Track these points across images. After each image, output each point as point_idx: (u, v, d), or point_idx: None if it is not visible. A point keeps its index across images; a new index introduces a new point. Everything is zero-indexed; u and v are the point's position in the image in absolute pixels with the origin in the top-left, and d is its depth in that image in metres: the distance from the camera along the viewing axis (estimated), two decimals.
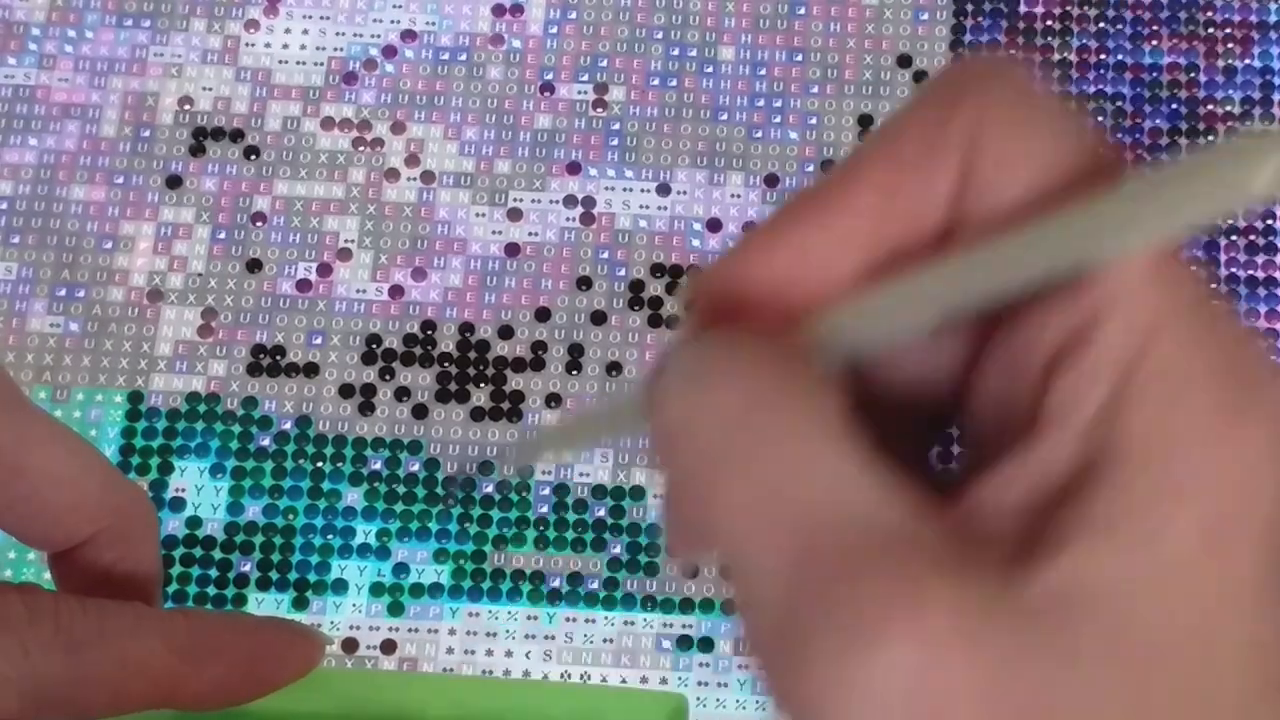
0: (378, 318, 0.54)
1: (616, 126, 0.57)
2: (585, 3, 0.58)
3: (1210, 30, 0.58)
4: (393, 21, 0.58)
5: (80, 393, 0.53)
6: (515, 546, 0.52)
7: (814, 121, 0.57)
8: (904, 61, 0.57)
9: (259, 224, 0.55)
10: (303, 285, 0.55)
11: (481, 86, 0.57)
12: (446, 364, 0.54)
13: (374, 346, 0.54)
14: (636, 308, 0.54)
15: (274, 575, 0.51)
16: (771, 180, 0.56)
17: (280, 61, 0.57)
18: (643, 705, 0.38)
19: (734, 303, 0.23)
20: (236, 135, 0.56)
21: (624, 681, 0.50)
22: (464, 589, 0.51)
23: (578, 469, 0.53)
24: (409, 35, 0.58)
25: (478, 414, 0.53)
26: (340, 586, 0.51)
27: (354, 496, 0.52)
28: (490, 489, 0.52)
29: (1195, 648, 0.20)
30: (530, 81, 0.57)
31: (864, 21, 0.58)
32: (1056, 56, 0.57)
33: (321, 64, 0.57)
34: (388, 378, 0.54)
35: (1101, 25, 0.58)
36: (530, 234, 0.55)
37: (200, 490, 0.52)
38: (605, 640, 0.51)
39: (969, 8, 0.58)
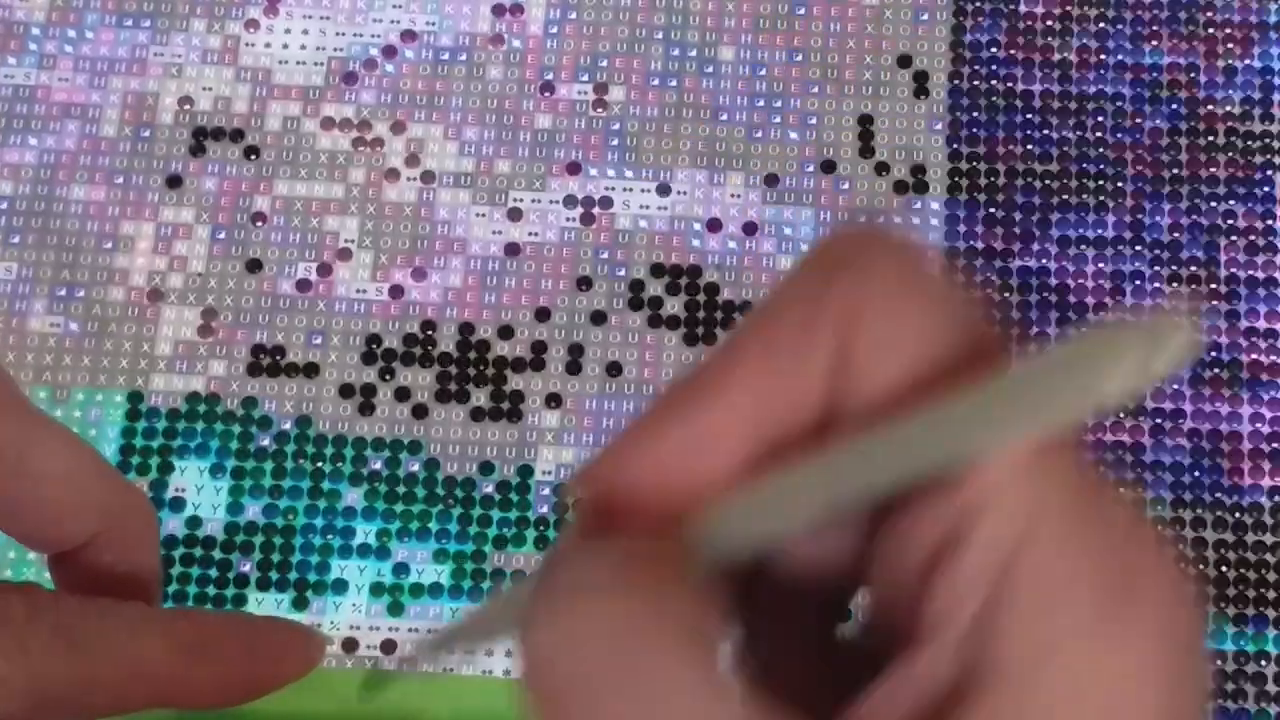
0: (378, 318, 0.54)
1: (616, 126, 0.57)
2: (585, 3, 0.58)
3: (1210, 30, 0.58)
4: (393, 21, 0.58)
5: (80, 393, 0.53)
6: (515, 546, 0.52)
7: (814, 121, 0.57)
8: (904, 61, 0.57)
9: (259, 224, 0.55)
10: (303, 285, 0.55)
11: (481, 86, 0.57)
12: (446, 364, 0.54)
13: (374, 346, 0.54)
14: (636, 308, 0.54)
15: (274, 575, 0.51)
16: (771, 180, 0.56)
17: (280, 61, 0.57)
18: None
19: (617, 503, 0.22)
20: (236, 135, 0.56)
21: None
22: (464, 589, 0.51)
23: (578, 469, 0.52)
24: (409, 35, 0.58)
25: (478, 414, 0.53)
26: (340, 586, 0.51)
27: (354, 496, 0.52)
28: (490, 489, 0.52)
29: None
30: (530, 81, 0.57)
31: (864, 21, 0.58)
32: (1056, 56, 0.57)
33: (321, 64, 0.57)
34: (388, 378, 0.54)
35: (1101, 25, 0.58)
36: (530, 234, 0.55)
37: (200, 490, 0.52)
38: None
39: (969, 8, 0.58)
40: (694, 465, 0.22)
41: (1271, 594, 0.51)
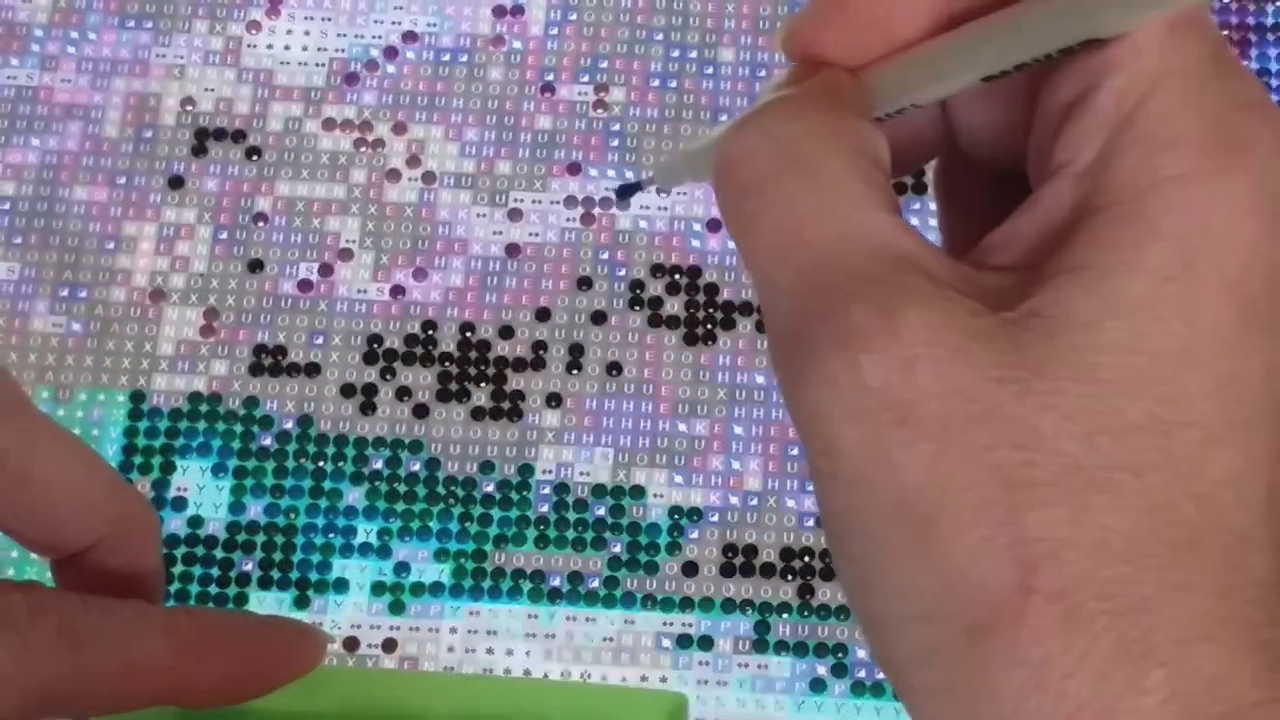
0: (379, 318, 0.54)
1: (617, 127, 0.57)
2: (586, 4, 0.58)
3: None
4: (394, 23, 0.58)
5: (82, 393, 0.53)
6: (515, 545, 0.52)
7: None
8: None
9: (261, 224, 0.55)
10: (304, 285, 0.55)
11: (482, 87, 0.57)
12: (447, 364, 0.54)
13: (375, 346, 0.54)
14: (636, 308, 0.55)
15: (275, 574, 0.51)
16: None
17: (282, 62, 0.58)
18: (642, 704, 0.38)
19: (813, 57, 0.25)
20: (238, 136, 0.56)
21: (624, 680, 0.50)
22: (464, 588, 0.51)
23: (578, 469, 0.53)
24: (410, 36, 0.58)
25: (478, 414, 0.53)
26: (341, 585, 0.51)
27: (355, 496, 0.52)
28: (490, 489, 0.53)
29: (1160, 374, 0.21)
30: (531, 82, 0.57)
31: None
32: None
33: (323, 65, 0.58)
34: (389, 377, 0.54)
35: None
36: (531, 234, 0.56)
37: (202, 490, 0.52)
38: (605, 639, 0.51)
39: None
40: (885, 25, 0.24)
41: None
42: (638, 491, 0.52)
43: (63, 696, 0.30)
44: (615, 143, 0.57)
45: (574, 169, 0.56)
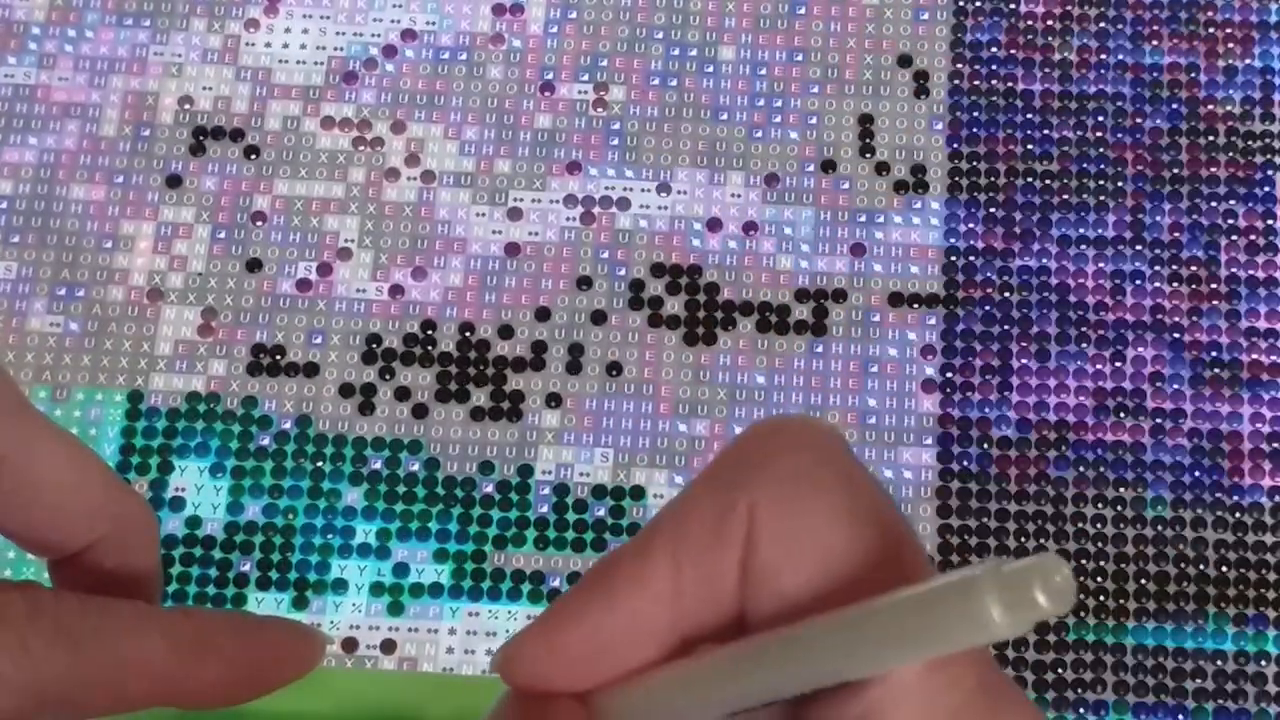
0: (378, 317, 0.54)
1: (616, 126, 0.57)
2: (585, 2, 0.58)
3: (1210, 30, 0.58)
4: (393, 21, 0.58)
5: (80, 392, 0.53)
6: (515, 546, 0.52)
7: (814, 121, 0.57)
8: (904, 61, 0.57)
9: (259, 223, 0.55)
10: (303, 285, 0.55)
11: (482, 86, 0.57)
12: (446, 364, 0.54)
13: (374, 346, 0.54)
14: (636, 308, 0.54)
15: (274, 575, 0.51)
16: (771, 180, 0.56)
17: (280, 61, 0.57)
18: None
19: (538, 682, 0.23)
20: (236, 135, 0.56)
21: None
22: (464, 589, 0.51)
23: (578, 469, 0.53)
24: (409, 35, 0.58)
25: (478, 414, 0.53)
26: (340, 586, 0.51)
27: (354, 496, 0.52)
28: (490, 489, 0.52)
29: None
30: (530, 81, 0.57)
31: (864, 21, 0.58)
32: (1056, 56, 0.57)
33: (321, 63, 0.57)
34: (388, 377, 0.54)
35: (1102, 25, 0.58)
36: (530, 234, 0.55)
37: (200, 490, 0.52)
38: None
39: (969, 8, 0.58)
40: (608, 653, 0.22)
41: (1271, 594, 0.51)
42: (638, 492, 0.52)
43: (60, 697, 0.30)
44: (615, 141, 0.56)
45: (574, 168, 0.56)
